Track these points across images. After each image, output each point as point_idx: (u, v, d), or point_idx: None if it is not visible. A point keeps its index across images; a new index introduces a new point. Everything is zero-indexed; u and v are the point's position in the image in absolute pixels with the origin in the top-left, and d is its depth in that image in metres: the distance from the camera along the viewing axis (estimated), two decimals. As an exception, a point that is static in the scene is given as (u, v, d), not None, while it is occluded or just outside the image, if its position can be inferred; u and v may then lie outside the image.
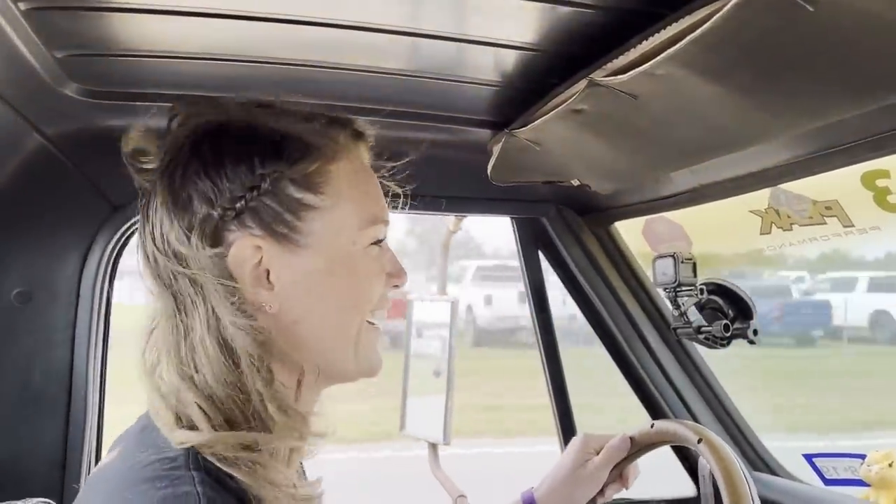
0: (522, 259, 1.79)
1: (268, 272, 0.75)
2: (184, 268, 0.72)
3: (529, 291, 1.81)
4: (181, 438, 0.68)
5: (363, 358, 0.81)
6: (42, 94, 1.12)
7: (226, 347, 0.71)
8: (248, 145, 0.75)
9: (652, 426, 1.14)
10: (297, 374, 0.78)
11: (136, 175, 0.78)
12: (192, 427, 0.69)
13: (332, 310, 0.78)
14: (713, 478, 1.06)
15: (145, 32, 1.04)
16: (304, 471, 0.90)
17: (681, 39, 0.82)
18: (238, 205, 0.73)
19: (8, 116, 1.10)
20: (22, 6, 0.90)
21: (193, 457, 0.67)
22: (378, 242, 0.81)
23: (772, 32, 0.77)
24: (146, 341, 0.76)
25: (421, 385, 2.08)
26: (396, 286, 0.84)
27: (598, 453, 1.14)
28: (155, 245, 0.74)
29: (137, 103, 1.21)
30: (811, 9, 0.70)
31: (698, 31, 0.78)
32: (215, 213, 0.73)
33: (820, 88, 0.87)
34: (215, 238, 0.73)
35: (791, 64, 0.83)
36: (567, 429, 1.82)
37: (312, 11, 0.97)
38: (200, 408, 0.69)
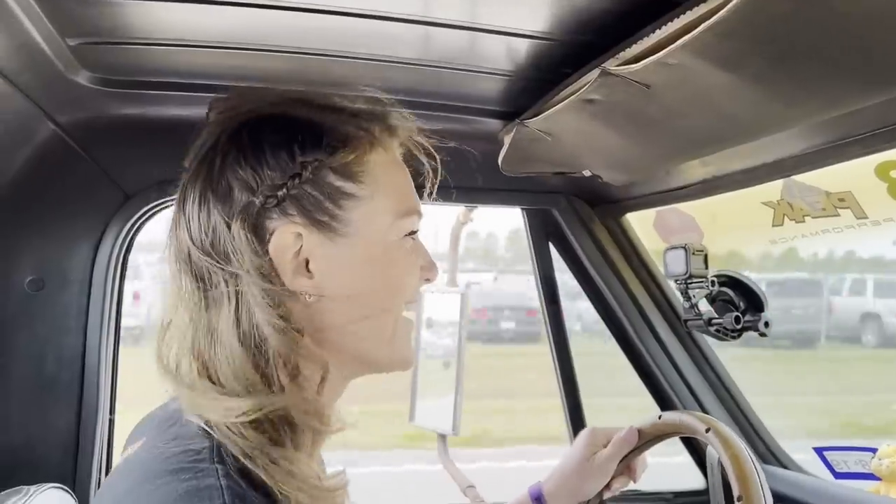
0: (533, 250, 1.78)
1: (307, 261, 0.75)
2: (221, 260, 0.72)
3: (540, 283, 1.81)
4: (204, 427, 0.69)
5: (398, 350, 0.81)
6: (55, 82, 1.12)
7: (254, 344, 0.70)
8: (287, 134, 0.75)
9: (660, 417, 1.14)
10: (324, 367, 0.78)
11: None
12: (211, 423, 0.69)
13: (371, 300, 0.78)
14: (722, 467, 1.05)
15: (157, 21, 1.04)
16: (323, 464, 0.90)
17: (694, 28, 0.81)
18: (280, 192, 0.73)
19: (21, 104, 1.11)
20: (35, -7, 0.90)
21: (217, 449, 0.67)
22: (412, 234, 0.81)
23: (786, 20, 0.76)
24: (162, 337, 0.76)
25: (430, 376, 2.09)
26: (428, 280, 0.84)
27: (605, 446, 1.14)
28: (190, 236, 0.74)
29: (149, 91, 1.22)
30: (827, -5, 0.70)
31: (712, 20, 0.78)
32: (257, 201, 0.73)
33: (835, 77, 0.87)
34: (257, 226, 0.73)
35: (806, 52, 0.82)
36: (576, 420, 1.82)
37: (324, 0, 0.97)
38: (222, 403, 0.69)
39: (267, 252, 0.73)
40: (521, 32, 1.06)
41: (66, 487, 1.20)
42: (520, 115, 1.28)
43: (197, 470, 0.65)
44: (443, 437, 2.09)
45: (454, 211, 1.89)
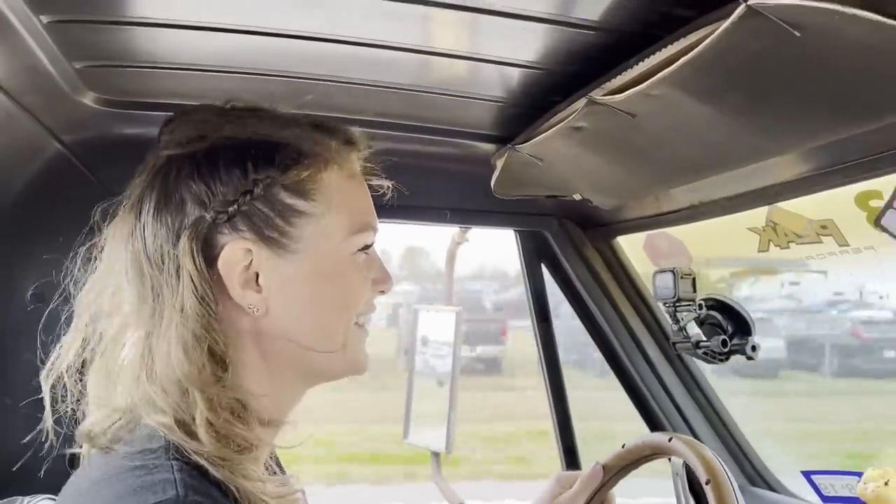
0: (525, 272, 1.81)
1: (257, 275, 0.76)
2: (167, 269, 0.73)
3: (532, 304, 1.83)
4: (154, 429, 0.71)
5: (351, 358, 0.83)
6: (61, 103, 1.16)
7: (192, 353, 0.72)
8: (242, 150, 0.77)
9: (623, 446, 1.16)
10: (279, 379, 0.80)
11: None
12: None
13: (319, 314, 0.80)
14: (686, 470, 1.08)
15: (161, 45, 1.08)
16: (278, 466, 0.92)
17: (675, 61, 0.85)
18: (231, 208, 0.75)
19: (27, 124, 1.14)
20: (44, 19, 0.94)
21: (173, 447, 0.69)
22: (366, 249, 0.83)
23: (761, 57, 0.80)
24: (115, 344, 0.77)
25: (425, 394, 2.11)
26: (382, 292, 0.86)
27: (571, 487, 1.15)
28: (144, 247, 0.75)
29: (152, 112, 1.25)
30: (798, 34, 0.73)
31: (691, 54, 0.81)
32: (208, 216, 0.74)
33: (809, 111, 0.90)
34: (206, 240, 0.75)
35: (780, 87, 0.86)
36: (567, 443, 1.84)
37: (323, 28, 1.01)
38: (160, 410, 0.71)
39: (213, 267, 0.75)
40: (512, 62, 1.10)
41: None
42: (512, 140, 1.31)
43: (153, 466, 0.67)
44: (436, 455, 2.11)
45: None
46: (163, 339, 0.73)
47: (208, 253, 0.75)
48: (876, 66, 0.79)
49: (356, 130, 0.86)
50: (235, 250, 0.75)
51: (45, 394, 0.81)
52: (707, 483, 0.99)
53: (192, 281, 0.73)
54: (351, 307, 0.82)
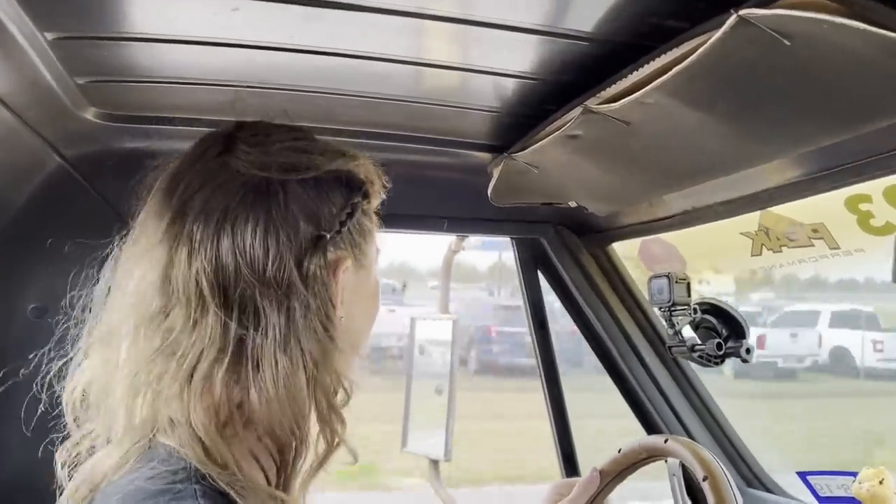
0: (522, 278, 1.83)
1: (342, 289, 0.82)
2: (279, 288, 0.74)
3: (529, 310, 1.85)
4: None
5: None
6: (63, 117, 1.17)
7: (302, 374, 0.75)
8: (340, 177, 0.83)
9: (619, 451, 1.18)
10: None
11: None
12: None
13: (368, 323, 0.90)
14: (683, 470, 1.10)
15: (162, 60, 1.09)
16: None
17: (668, 70, 0.87)
18: (344, 228, 0.82)
19: (30, 139, 1.15)
20: (48, 36, 0.96)
21: (195, 470, 0.69)
22: None
23: (752, 65, 0.82)
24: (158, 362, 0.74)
25: (423, 402, 2.11)
26: None
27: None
28: (236, 261, 0.73)
29: (154, 126, 1.27)
30: (788, 43, 0.76)
31: (684, 63, 0.84)
32: (326, 235, 0.79)
33: (799, 117, 0.92)
34: (325, 257, 0.79)
35: (771, 94, 0.88)
36: (566, 449, 1.85)
37: (323, 42, 1.03)
38: (191, 434, 0.71)
39: (334, 281, 0.80)
40: (508, 73, 1.12)
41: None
42: (508, 148, 1.33)
43: (175, 490, 0.67)
44: (434, 462, 2.12)
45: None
46: (265, 353, 0.73)
47: (327, 269, 0.79)
48: (863, 73, 0.81)
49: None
50: (345, 266, 0.81)
51: (68, 414, 0.82)
52: (704, 479, 1.01)
53: (324, 295, 0.78)
54: (375, 317, 0.91)
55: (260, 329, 0.73)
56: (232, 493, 0.68)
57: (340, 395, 0.81)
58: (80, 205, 1.35)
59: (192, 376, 0.72)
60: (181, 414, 0.72)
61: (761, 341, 11.94)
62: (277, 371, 0.73)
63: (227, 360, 0.73)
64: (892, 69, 0.76)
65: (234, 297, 0.73)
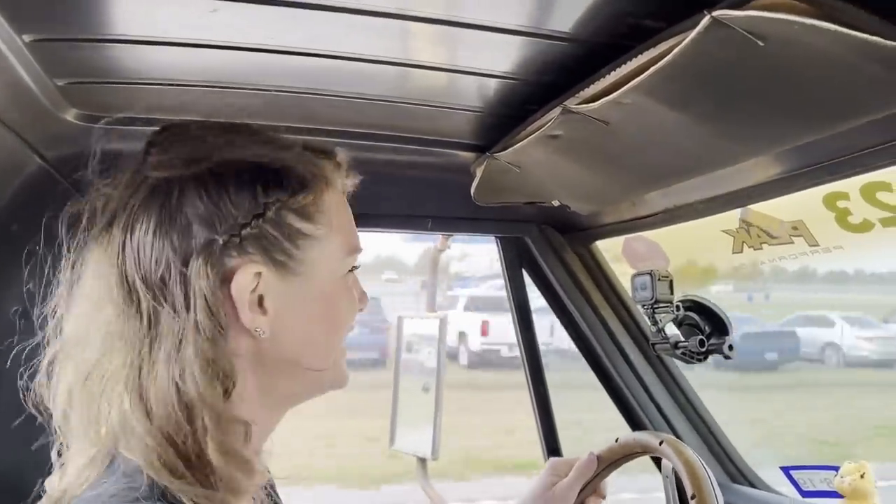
0: (507, 277, 1.84)
1: (261, 298, 0.76)
2: (171, 290, 0.72)
3: (514, 310, 1.86)
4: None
5: (336, 375, 0.85)
6: (43, 119, 1.16)
7: (198, 375, 0.70)
8: (250, 172, 0.76)
9: (616, 440, 1.19)
10: (268, 402, 0.80)
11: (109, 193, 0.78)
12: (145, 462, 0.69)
13: (319, 335, 0.81)
14: (676, 477, 1.11)
15: (143, 61, 1.09)
16: (275, 496, 0.91)
17: (645, 70, 0.88)
18: (244, 231, 0.74)
19: (10, 141, 1.15)
20: (26, 38, 0.95)
21: (157, 487, 0.67)
22: (353, 269, 0.85)
23: (727, 65, 0.83)
24: (90, 368, 0.74)
25: (410, 401, 2.12)
26: (360, 310, 0.88)
27: (567, 475, 1.18)
28: (138, 265, 0.73)
29: (136, 128, 1.26)
30: (761, 44, 0.76)
31: (660, 63, 0.85)
32: (220, 239, 0.73)
33: (775, 117, 0.94)
34: (217, 263, 0.73)
35: (747, 94, 0.89)
36: (552, 446, 1.86)
37: (304, 42, 1.02)
38: (148, 445, 0.69)
39: (227, 290, 0.74)
40: (489, 73, 1.13)
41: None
42: (490, 148, 1.34)
43: None
44: (422, 460, 2.12)
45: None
46: (161, 362, 0.71)
47: (221, 276, 0.74)
48: (835, 72, 0.82)
49: (340, 150, 0.87)
50: (247, 274, 0.75)
51: (58, 422, 0.78)
52: (692, 498, 1.01)
53: (207, 304, 0.71)
54: (344, 327, 0.84)
55: (158, 338, 0.71)
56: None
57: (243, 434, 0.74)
58: (62, 207, 1.35)
59: (126, 382, 0.71)
60: (129, 421, 0.70)
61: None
62: (160, 384, 0.70)
63: (145, 367, 0.71)
64: (862, 68, 0.77)
65: (139, 303, 0.72)
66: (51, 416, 0.79)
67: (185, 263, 0.72)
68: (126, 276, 0.73)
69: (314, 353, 0.81)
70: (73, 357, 0.76)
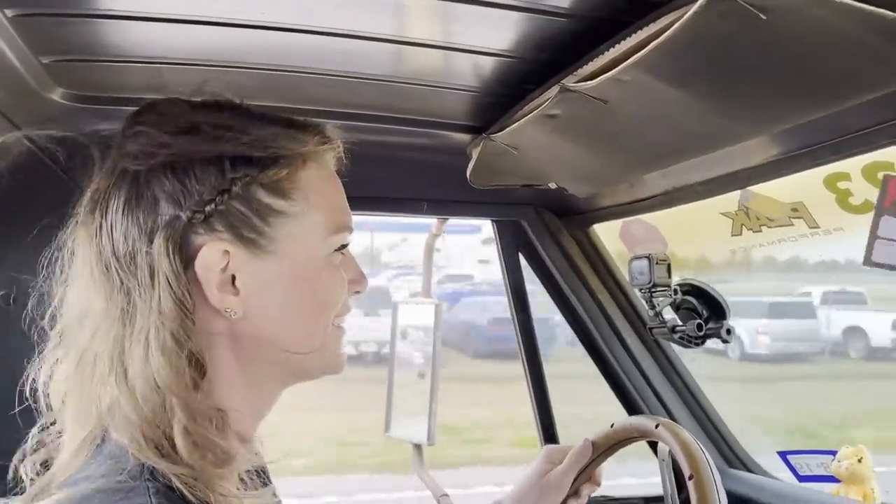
0: (503, 261, 1.82)
1: (233, 277, 0.74)
2: (140, 269, 0.71)
3: (510, 293, 1.84)
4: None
5: (328, 359, 0.82)
6: (28, 98, 1.14)
7: (169, 357, 0.69)
8: (219, 147, 0.74)
9: (612, 426, 1.18)
10: (254, 383, 0.78)
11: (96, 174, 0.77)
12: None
13: (297, 316, 0.78)
14: (672, 460, 1.10)
15: (130, 38, 1.06)
16: (264, 477, 0.89)
17: (645, 46, 0.86)
18: (207, 208, 0.72)
19: (-5, 120, 1.13)
20: (9, 13, 0.93)
21: (147, 468, 0.66)
22: (342, 249, 0.82)
23: (728, 40, 0.81)
24: (83, 351, 0.73)
25: (405, 387, 2.11)
26: (358, 292, 0.85)
27: (561, 463, 1.17)
28: (113, 247, 0.72)
29: (123, 108, 1.24)
30: (764, 17, 0.74)
31: (660, 39, 0.82)
32: (183, 216, 0.72)
33: (776, 94, 0.92)
34: (182, 241, 0.72)
35: (748, 70, 0.87)
36: (548, 427, 1.85)
37: (296, 19, 1.00)
38: (134, 422, 0.68)
39: (192, 268, 0.72)
40: (486, 51, 1.10)
41: (39, 499, 1.20)
42: (486, 129, 1.32)
43: (128, 489, 0.65)
44: (418, 446, 2.11)
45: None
46: (136, 342, 0.70)
47: (184, 253, 0.72)
48: (840, 47, 0.80)
49: (331, 127, 0.84)
50: (213, 251, 0.73)
51: (57, 409, 0.78)
52: (690, 478, 1.00)
53: (169, 283, 0.70)
54: (329, 309, 0.81)
55: (133, 318, 0.71)
56: (179, 484, 0.65)
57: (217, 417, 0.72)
58: (49, 189, 1.32)
59: (111, 363, 0.71)
60: (115, 401, 0.70)
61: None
62: (136, 364, 0.70)
63: (126, 347, 0.70)
64: (865, 43, 0.75)
65: (116, 283, 0.72)
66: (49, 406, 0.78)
67: (151, 242, 0.71)
68: (103, 256, 0.73)
69: (294, 335, 0.78)
70: (67, 341, 0.75)
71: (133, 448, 0.67)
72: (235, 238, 0.74)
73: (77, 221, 0.77)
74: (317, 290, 0.79)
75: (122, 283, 0.71)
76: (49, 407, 0.77)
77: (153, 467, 0.66)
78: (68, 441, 0.74)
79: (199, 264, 0.72)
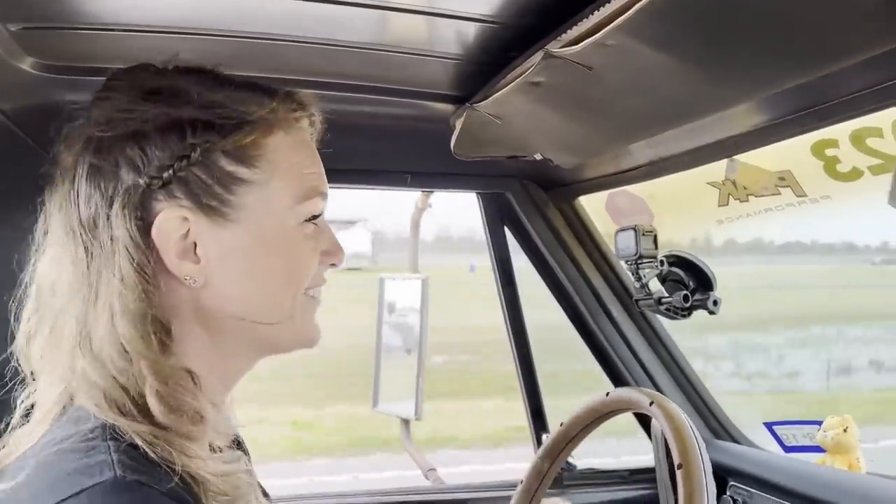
0: (488, 234, 1.81)
1: (195, 245, 0.73)
2: (101, 236, 0.71)
3: (496, 266, 1.83)
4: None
5: (298, 331, 0.80)
6: (-3, 68, 1.10)
7: (127, 329, 0.69)
8: (179, 112, 0.73)
9: (608, 394, 1.17)
10: (223, 351, 0.77)
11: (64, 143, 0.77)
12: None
13: (262, 286, 0.77)
14: (665, 439, 1.09)
15: (102, 6, 1.03)
16: (239, 445, 0.89)
17: (629, 9, 0.84)
18: (166, 174, 0.71)
19: (-38, 91, 1.09)
20: (-27, -22, 0.89)
21: (109, 427, 0.66)
22: (314, 219, 0.80)
23: (714, 2, 0.79)
24: (55, 317, 0.73)
25: (392, 362, 2.11)
26: (333, 265, 0.83)
27: None
28: (78, 210, 0.72)
29: (96, 78, 1.20)
30: (751, -23, 0.72)
31: (644, 0, 0.80)
32: (142, 182, 0.71)
33: (763, 58, 0.90)
34: (141, 207, 0.71)
35: (735, 32, 0.85)
36: (534, 402, 1.85)
37: (272, -16, 0.97)
38: (97, 384, 0.68)
39: (149, 235, 0.71)
40: (468, 16, 1.07)
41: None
42: (470, 99, 1.29)
43: (88, 448, 0.64)
44: (405, 421, 2.12)
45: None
46: (102, 308, 0.69)
47: (144, 220, 0.71)
48: (824, 7, 0.78)
49: (306, 92, 0.82)
50: (171, 218, 0.72)
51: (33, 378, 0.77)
52: (679, 468, 0.98)
53: (128, 250, 0.70)
54: (297, 279, 0.79)
55: (97, 284, 0.70)
56: (141, 442, 0.65)
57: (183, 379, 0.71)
58: (22, 161, 1.29)
59: (78, 328, 0.71)
60: (79, 365, 0.70)
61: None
62: (101, 330, 0.69)
63: (90, 312, 0.70)
64: (855, 4, 0.73)
65: (80, 248, 0.71)
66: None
67: (111, 208, 0.71)
68: (70, 223, 0.73)
69: (259, 305, 0.77)
70: (42, 310, 0.75)
71: (95, 410, 0.67)
72: (195, 205, 0.73)
73: (51, 190, 0.77)
74: (283, 261, 0.77)
75: (87, 249, 0.71)
76: (33, 377, 0.77)
77: (114, 426, 0.66)
78: (37, 409, 0.74)
79: (156, 231, 0.72)
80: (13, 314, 0.80)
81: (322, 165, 0.82)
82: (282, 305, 0.78)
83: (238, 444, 0.89)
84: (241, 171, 0.74)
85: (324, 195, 0.80)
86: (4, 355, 0.79)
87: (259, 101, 0.76)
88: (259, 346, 0.80)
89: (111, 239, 0.70)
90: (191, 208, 0.72)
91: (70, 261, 0.72)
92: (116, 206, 0.70)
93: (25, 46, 1.11)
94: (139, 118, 0.72)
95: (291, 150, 0.78)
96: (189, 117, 0.73)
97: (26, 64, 1.14)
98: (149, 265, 0.71)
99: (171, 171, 0.71)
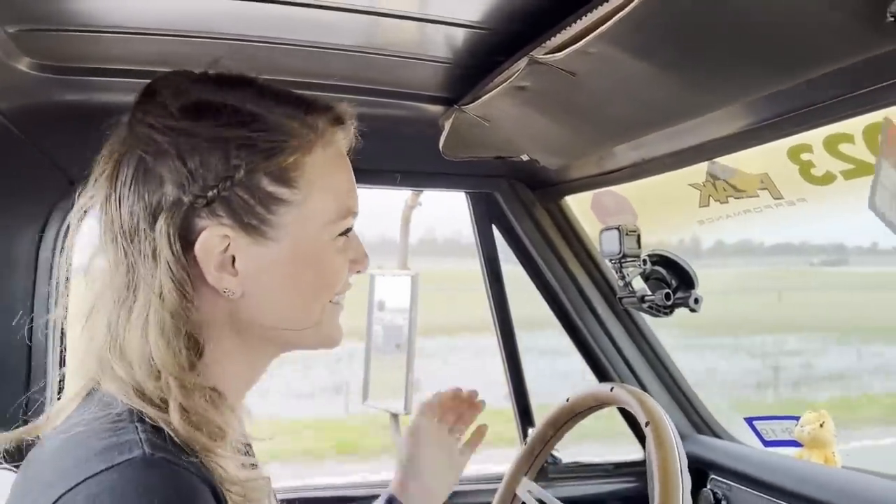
0: (477, 233, 1.84)
1: (233, 258, 0.75)
2: (142, 247, 0.72)
3: (484, 265, 1.86)
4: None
5: (324, 334, 0.83)
6: (-5, 68, 1.13)
7: (168, 337, 0.71)
8: (225, 130, 0.73)
9: (567, 399, 1.21)
10: (251, 356, 0.80)
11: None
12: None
13: (296, 297, 0.79)
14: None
15: (97, 7, 1.05)
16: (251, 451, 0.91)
17: (610, 18, 0.87)
18: (210, 193, 0.72)
19: (-40, 91, 1.11)
20: (-28, -18, 0.91)
21: (136, 412, 0.69)
22: (346, 232, 0.81)
23: (693, 12, 0.82)
24: (88, 317, 0.76)
25: (382, 357, 2.13)
26: (359, 271, 0.85)
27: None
28: (119, 216, 0.73)
29: (92, 78, 1.23)
30: (726, -10, 0.76)
31: (625, 10, 0.83)
32: (186, 200, 0.72)
33: (740, 65, 0.93)
34: (183, 223, 0.73)
35: (713, 42, 0.88)
36: (521, 399, 1.88)
37: (263, -12, 1.00)
38: (126, 382, 0.71)
39: (190, 251, 0.73)
40: (457, 21, 1.10)
41: (12, 468, 1.21)
42: (458, 101, 1.32)
43: (117, 429, 0.67)
44: (395, 416, 2.14)
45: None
46: (137, 318, 0.71)
47: (185, 236, 0.73)
48: (801, 20, 0.82)
49: (343, 105, 0.83)
50: (213, 236, 0.73)
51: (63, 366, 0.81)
52: (647, 425, 1.03)
53: (169, 266, 0.71)
54: (329, 289, 0.81)
55: (134, 292, 0.72)
56: (166, 428, 0.68)
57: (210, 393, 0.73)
58: (19, 159, 1.32)
59: (109, 329, 0.73)
60: (108, 364, 0.72)
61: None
62: (132, 336, 0.72)
63: (122, 317, 0.72)
64: (826, 15, 0.77)
65: (120, 255, 0.73)
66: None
67: (154, 221, 0.72)
68: (111, 226, 0.74)
69: (293, 314, 0.79)
70: (75, 296, 0.79)
71: (122, 398, 0.70)
72: (237, 224, 0.74)
73: (94, 182, 0.77)
74: (318, 273, 0.79)
75: (126, 256, 0.73)
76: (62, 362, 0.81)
77: (141, 412, 0.69)
78: (66, 388, 0.77)
79: (199, 248, 0.73)
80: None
81: (354, 180, 0.84)
82: (312, 313, 0.80)
83: (248, 447, 0.91)
84: (282, 191, 0.75)
85: (356, 211, 0.82)
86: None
87: (302, 119, 0.77)
88: (283, 348, 0.83)
89: (153, 252, 0.72)
90: (232, 226, 0.74)
91: (109, 264, 0.74)
92: (161, 221, 0.72)
93: (22, 47, 1.13)
94: (185, 133, 0.73)
95: (330, 166, 0.80)
96: (233, 136, 0.73)
97: (23, 64, 1.16)
98: (188, 282, 0.72)
99: (215, 191, 0.72)
